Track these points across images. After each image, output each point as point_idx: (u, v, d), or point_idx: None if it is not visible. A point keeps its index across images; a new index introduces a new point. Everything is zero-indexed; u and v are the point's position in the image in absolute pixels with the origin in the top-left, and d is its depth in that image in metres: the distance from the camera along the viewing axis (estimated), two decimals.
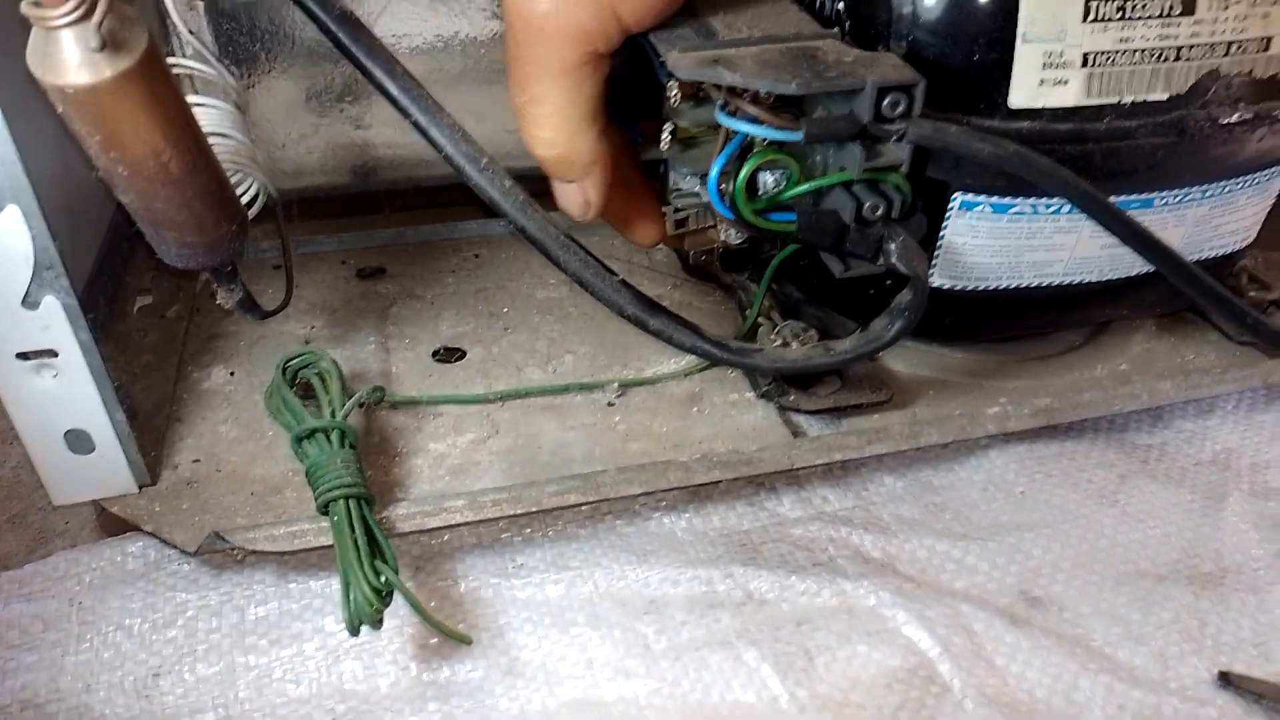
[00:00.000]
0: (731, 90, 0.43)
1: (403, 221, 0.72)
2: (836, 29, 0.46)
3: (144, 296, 0.62)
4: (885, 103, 0.41)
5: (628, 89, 0.55)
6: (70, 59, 0.34)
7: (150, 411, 0.53)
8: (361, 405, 0.50)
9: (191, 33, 0.48)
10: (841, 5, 0.48)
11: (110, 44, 0.34)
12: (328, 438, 0.46)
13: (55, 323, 0.42)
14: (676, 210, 0.55)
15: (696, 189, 0.52)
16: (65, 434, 0.45)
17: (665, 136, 0.51)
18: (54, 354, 0.43)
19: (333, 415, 0.47)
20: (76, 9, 0.33)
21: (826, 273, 0.49)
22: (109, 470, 0.47)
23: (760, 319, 0.57)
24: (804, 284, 0.59)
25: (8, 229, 0.40)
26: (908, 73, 0.42)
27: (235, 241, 0.43)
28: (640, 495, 0.51)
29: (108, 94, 0.35)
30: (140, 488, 0.48)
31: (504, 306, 0.63)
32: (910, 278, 0.45)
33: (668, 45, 0.45)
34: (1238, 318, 0.53)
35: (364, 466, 0.46)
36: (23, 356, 0.43)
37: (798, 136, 0.43)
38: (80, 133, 0.36)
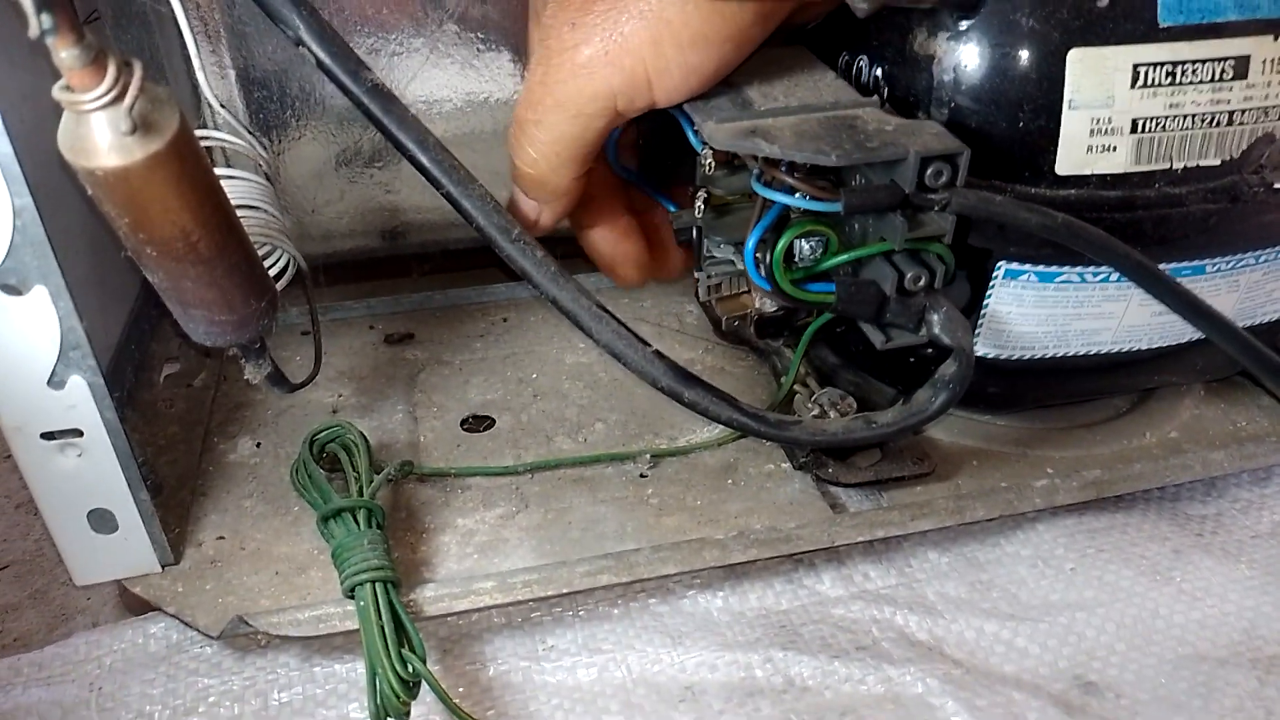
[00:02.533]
0: (768, 160, 0.42)
1: (431, 285, 0.71)
2: (875, 97, 0.45)
3: (171, 364, 0.62)
4: (928, 173, 0.40)
5: (659, 155, 0.55)
6: (101, 142, 0.33)
7: (175, 486, 0.52)
8: (390, 481, 0.49)
9: (223, 105, 0.47)
10: (880, 72, 0.47)
11: (141, 126, 0.33)
12: (354, 517, 0.44)
13: (81, 402, 0.41)
14: (710, 277, 0.54)
15: (730, 256, 0.51)
16: (88, 514, 0.44)
17: (699, 204, 0.50)
18: (79, 433, 0.42)
19: (360, 492, 0.46)
20: (108, 93, 0.32)
21: (864, 338, 0.48)
22: (132, 550, 0.45)
23: (796, 386, 0.56)
24: (840, 349, 0.57)
25: (35, 310, 0.39)
26: (951, 142, 0.40)
27: (265, 318, 0.43)
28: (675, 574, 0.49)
29: (138, 176, 0.34)
30: (163, 567, 0.47)
31: (533, 372, 0.62)
32: (954, 349, 0.44)
33: (703, 115, 0.44)
34: None
35: (391, 545, 0.45)
36: (48, 436, 0.42)
37: (837, 208, 0.42)
38: (109, 213, 0.36)
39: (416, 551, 0.48)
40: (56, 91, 0.33)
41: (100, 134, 0.33)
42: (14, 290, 0.39)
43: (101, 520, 0.44)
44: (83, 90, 0.32)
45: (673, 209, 0.55)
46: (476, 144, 0.68)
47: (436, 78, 0.65)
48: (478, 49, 0.66)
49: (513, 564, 0.47)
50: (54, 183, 0.38)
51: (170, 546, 0.47)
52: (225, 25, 0.59)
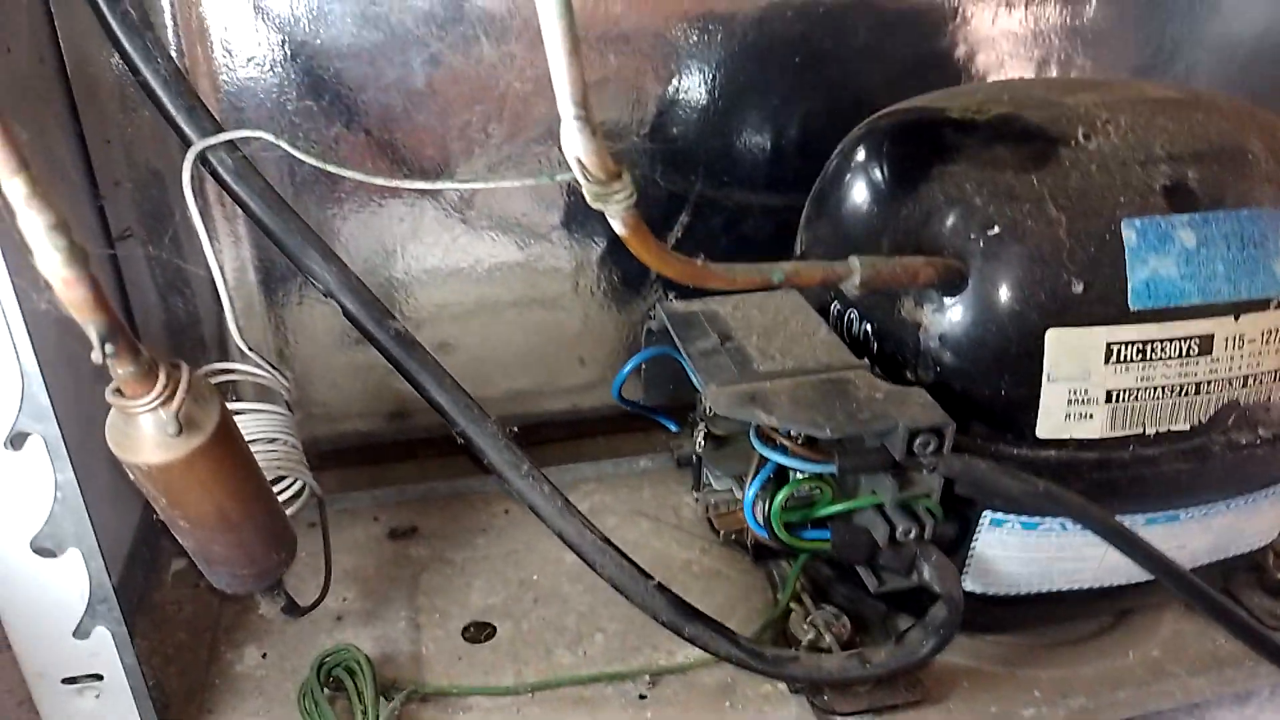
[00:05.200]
0: None
1: (435, 470, 0.73)
2: (866, 359, 0.48)
3: (179, 560, 0.63)
4: (917, 442, 0.43)
5: (659, 379, 0.58)
6: (147, 441, 0.35)
7: (182, 700, 0.53)
8: (395, 715, 0.50)
9: (250, 349, 0.50)
10: (869, 328, 0.50)
11: (185, 425, 0.36)
12: None
13: (104, 650, 0.43)
14: (711, 504, 0.56)
15: (729, 487, 0.54)
16: None
17: (699, 437, 0.52)
18: (99, 678, 0.44)
19: None
20: (158, 398, 0.35)
21: None
22: None
23: (791, 604, 0.58)
24: (835, 563, 0.59)
25: (67, 570, 0.41)
26: (937, 415, 0.43)
27: (284, 566, 0.44)
28: None
29: (179, 469, 0.36)
30: None
31: (533, 573, 0.64)
32: (944, 597, 0.46)
33: (706, 375, 0.47)
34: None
35: None
36: (69, 681, 0.43)
37: (831, 469, 0.44)
38: (148, 492, 0.38)
39: None
40: (109, 395, 0.35)
41: (147, 434, 0.35)
42: (49, 553, 0.40)
43: None
44: (134, 397, 0.35)
45: (674, 428, 0.58)
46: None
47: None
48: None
49: None
50: (93, 452, 0.40)
51: None
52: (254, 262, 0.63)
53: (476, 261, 0.69)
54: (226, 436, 0.37)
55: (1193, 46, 0.77)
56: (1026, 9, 0.72)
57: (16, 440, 0.38)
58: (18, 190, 0.27)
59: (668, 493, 0.71)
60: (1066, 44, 0.74)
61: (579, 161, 0.36)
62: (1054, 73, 0.74)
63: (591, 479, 0.74)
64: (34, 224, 0.27)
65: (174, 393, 0.35)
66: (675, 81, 0.67)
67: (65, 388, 0.39)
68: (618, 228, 0.38)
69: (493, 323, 0.72)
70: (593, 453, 0.77)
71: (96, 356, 0.32)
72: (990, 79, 0.73)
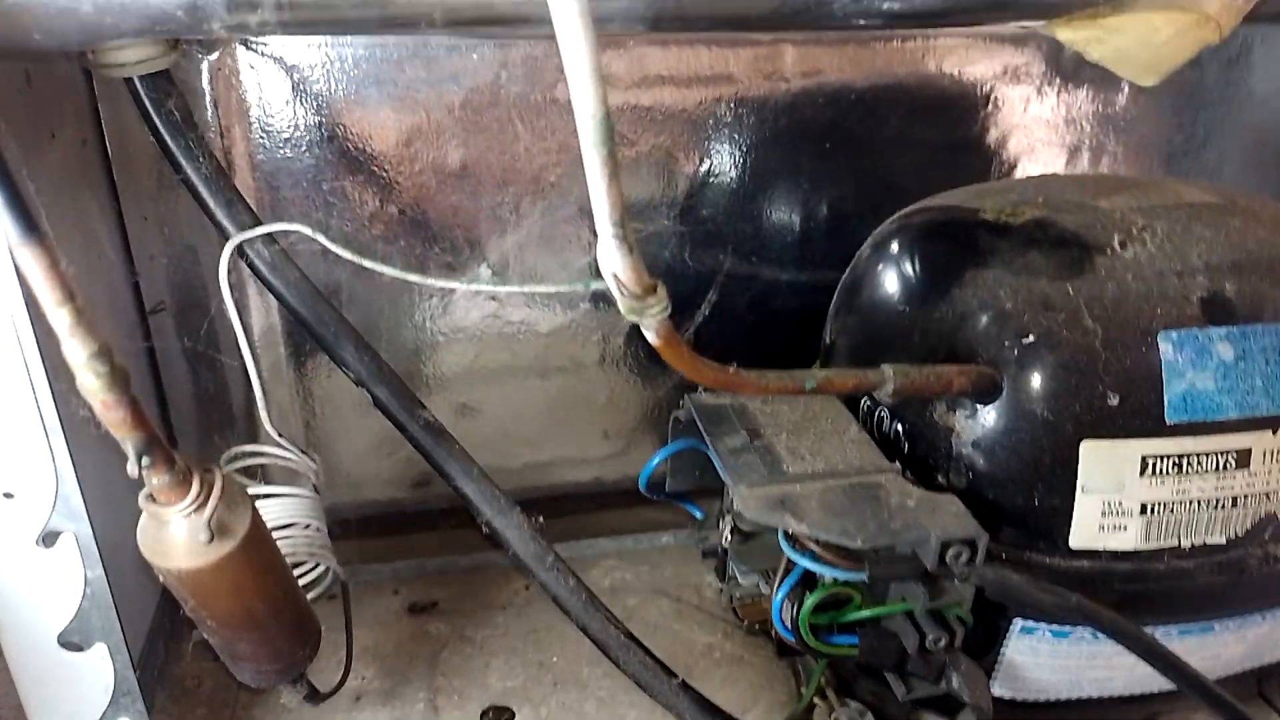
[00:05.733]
0: None
1: (457, 541, 0.73)
2: (897, 462, 0.47)
3: (198, 631, 0.63)
4: (949, 553, 0.42)
5: (686, 466, 0.57)
6: (179, 546, 0.35)
7: None
8: None
9: (280, 434, 0.50)
10: (900, 428, 0.49)
11: (217, 531, 0.36)
12: None
13: None
14: (735, 596, 0.55)
15: (755, 582, 0.53)
16: None
17: (725, 532, 0.52)
18: None
19: None
20: (191, 505, 0.35)
21: None
22: None
23: (815, 699, 0.57)
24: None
25: (94, 663, 0.41)
26: (970, 526, 0.43)
27: (308, 660, 0.44)
28: None
29: (209, 574, 0.36)
30: None
31: (553, 654, 0.63)
32: (972, 707, 0.45)
33: (736, 475, 0.46)
34: None
35: None
36: None
37: (861, 577, 0.44)
38: (177, 594, 0.38)
39: None
40: (142, 500, 0.35)
41: (179, 539, 0.35)
42: (76, 647, 0.40)
43: None
44: (167, 504, 0.35)
45: (699, 515, 0.57)
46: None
47: None
48: None
49: None
50: (123, 548, 0.41)
51: None
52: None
53: (504, 326, 0.69)
54: (257, 540, 0.37)
55: (1225, 134, 0.77)
56: (1058, 96, 0.72)
57: (49, 538, 0.38)
58: (63, 320, 0.27)
59: (689, 571, 0.71)
60: (1098, 131, 0.74)
61: (615, 277, 0.36)
62: (1085, 159, 0.75)
63: (612, 554, 0.73)
64: (76, 352, 0.28)
65: (206, 499, 0.35)
66: (706, 163, 0.67)
67: (99, 487, 0.39)
68: (652, 339, 0.38)
69: (517, 389, 0.72)
70: (614, 525, 0.76)
71: (132, 470, 0.32)
72: (1021, 165, 0.73)
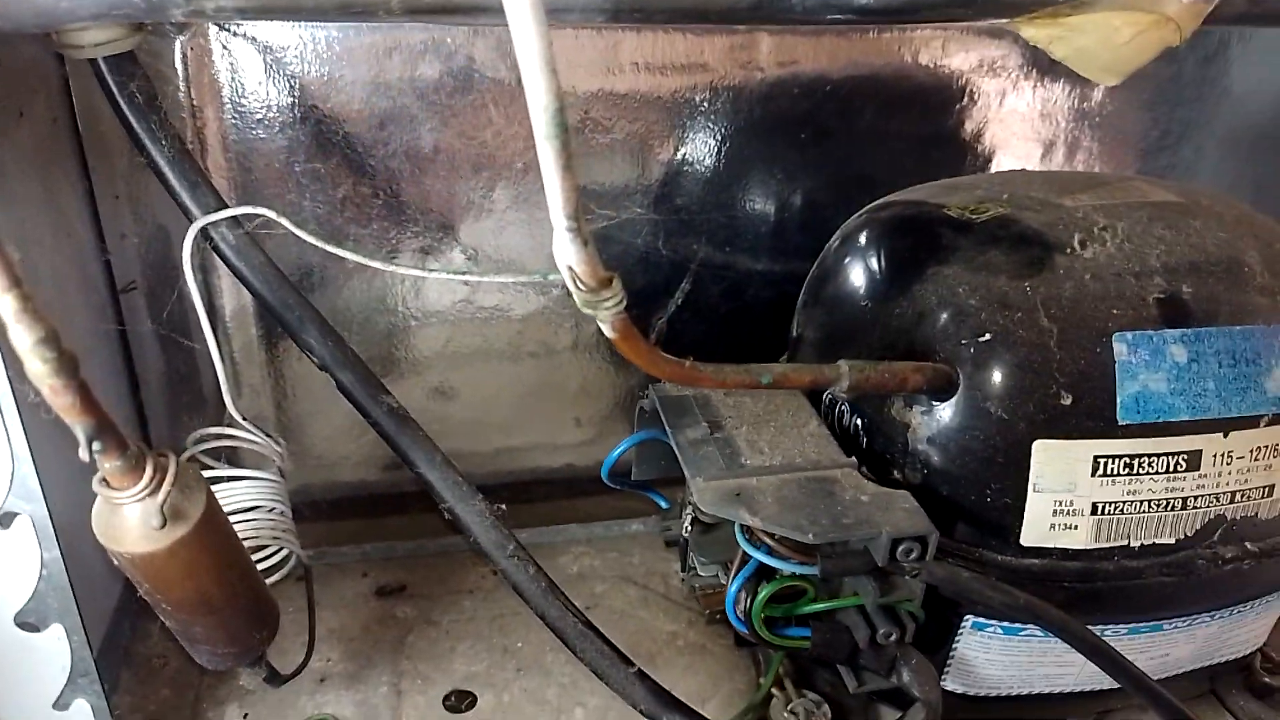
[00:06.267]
0: None
1: (427, 524, 0.73)
2: (854, 457, 0.48)
3: None
4: (900, 549, 0.43)
5: (651, 456, 0.58)
6: (132, 531, 0.36)
7: None
8: None
9: (245, 418, 0.50)
10: (859, 423, 0.50)
11: (170, 516, 0.36)
12: None
13: None
14: (696, 587, 0.56)
15: (715, 573, 0.54)
16: None
17: (686, 523, 0.52)
18: None
19: None
20: (143, 490, 0.35)
21: None
22: None
23: (773, 690, 0.57)
24: None
25: (50, 644, 0.41)
26: (921, 522, 0.43)
27: (265, 644, 0.45)
28: None
29: (161, 559, 0.36)
30: None
31: (518, 640, 0.64)
32: (922, 701, 0.46)
33: (694, 467, 0.47)
34: None
35: None
36: None
37: (813, 571, 0.44)
38: (132, 578, 0.38)
39: None
40: (96, 485, 0.35)
41: (132, 524, 0.36)
42: (32, 628, 0.41)
43: None
44: (120, 488, 0.35)
45: (664, 505, 0.58)
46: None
47: None
48: None
49: None
50: (81, 531, 0.41)
51: None
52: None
53: (477, 311, 0.69)
54: (211, 525, 0.38)
55: (1200, 130, 0.77)
56: (1034, 91, 0.72)
57: (5, 519, 0.38)
58: (9, 306, 0.27)
59: (656, 559, 0.71)
60: (1074, 126, 0.74)
61: (570, 270, 0.36)
62: (1060, 154, 0.75)
63: (582, 541, 0.74)
64: (22, 338, 0.28)
65: (160, 485, 0.35)
66: (681, 152, 0.67)
67: (56, 470, 0.39)
68: (608, 331, 0.38)
69: (490, 374, 0.72)
70: (585, 511, 0.77)
71: (83, 455, 0.33)
72: (996, 159, 0.73)
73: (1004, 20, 0.44)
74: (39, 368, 0.29)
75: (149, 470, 0.35)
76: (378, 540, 0.72)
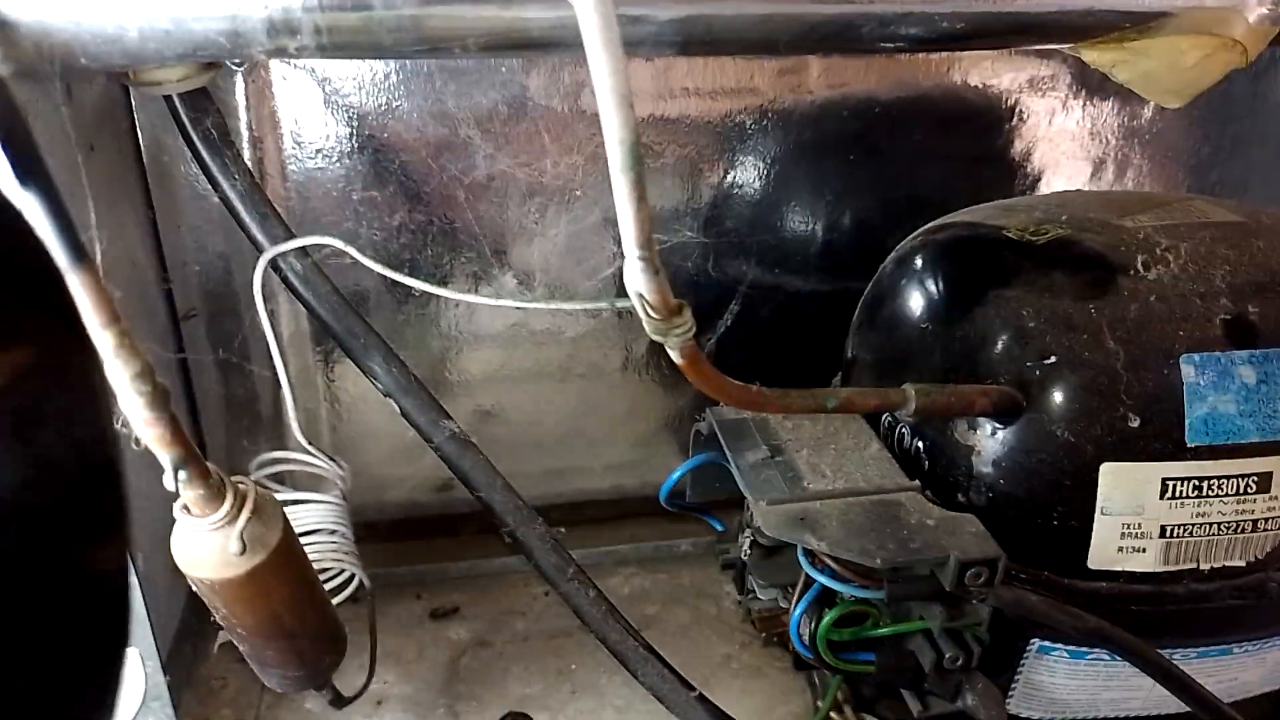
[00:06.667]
0: None
1: (478, 547, 0.73)
2: (917, 480, 0.48)
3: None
4: (968, 574, 0.43)
5: (706, 478, 0.58)
6: (211, 558, 0.36)
7: None
8: None
9: (310, 441, 0.51)
10: (921, 445, 0.50)
11: (249, 544, 0.36)
12: None
13: None
14: (753, 610, 0.56)
15: (774, 596, 0.54)
16: None
17: (745, 545, 0.52)
18: None
19: None
20: (224, 518, 0.36)
21: None
22: None
23: (831, 714, 0.57)
24: None
25: (126, 668, 0.42)
26: (990, 547, 0.43)
27: (334, 667, 0.45)
28: None
29: (239, 585, 0.37)
30: None
31: (571, 662, 0.64)
32: None
33: (756, 491, 0.47)
34: None
35: None
36: None
37: (879, 595, 0.44)
38: (208, 602, 0.39)
39: None
40: (177, 511, 0.36)
41: (211, 551, 0.36)
42: None
43: None
44: (201, 516, 0.36)
45: (719, 527, 0.58)
46: None
47: None
48: None
49: None
50: (157, 553, 0.41)
51: None
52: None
53: (529, 334, 0.70)
54: (288, 552, 0.38)
55: (1251, 146, 0.77)
56: (1084, 110, 0.72)
57: None
58: (108, 341, 0.28)
59: (708, 580, 0.71)
60: (1123, 144, 0.74)
61: (641, 297, 0.36)
62: (1110, 172, 0.74)
63: (632, 561, 0.74)
64: (120, 372, 0.29)
65: (239, 512, 0.36)
66: (731, 175, 0.68)
67: (133, 496, 0.40)
68: (676, 358, 0.39)
69: (539, 395, 0.73)
70: (634, 532, 0.77)
71: (169, 483, 0.33)
72: (1046, 178, 0.73)
73: (1067, 46, 0.44)
74: (135, 401, 0.29)
75: (229, 498, 0.36)
76: (431, 562, 0.72)
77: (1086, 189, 0.73)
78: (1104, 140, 0.73)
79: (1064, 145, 0.73)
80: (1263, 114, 0.75)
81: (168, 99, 0.43)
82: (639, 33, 0.38)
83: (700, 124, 0.66)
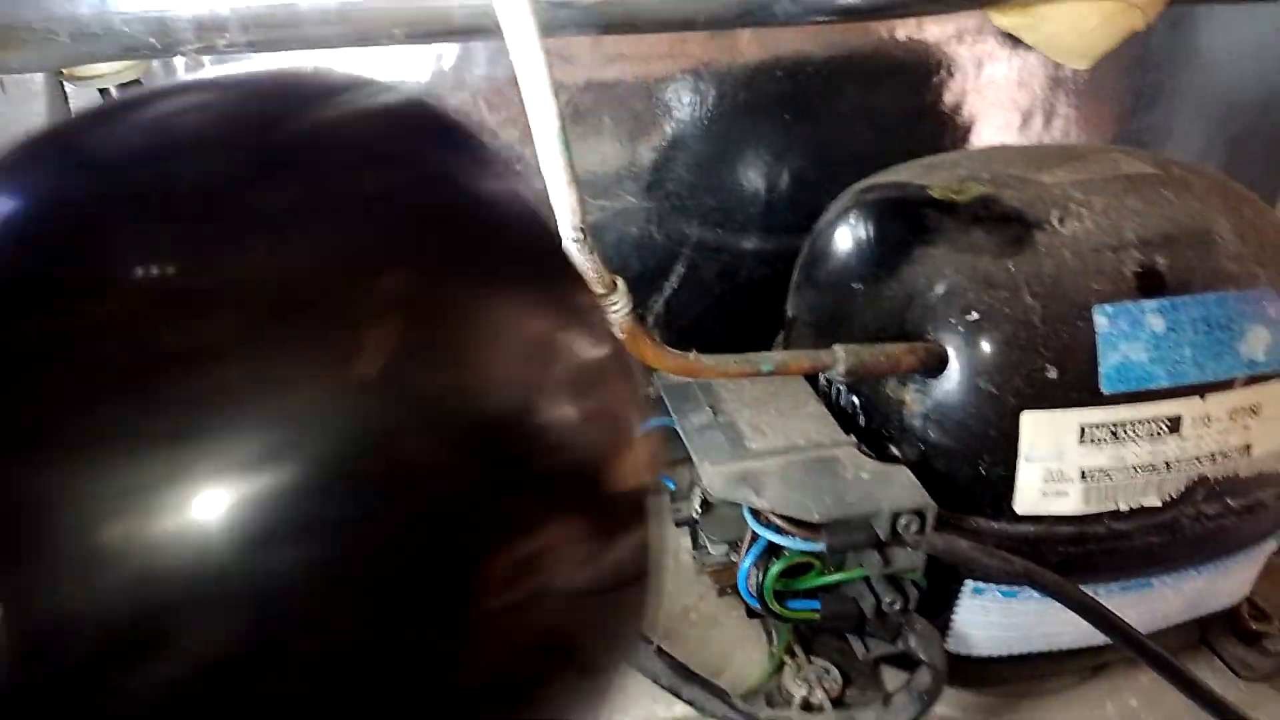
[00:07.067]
0: None
1: None
2: (852, 435, 0.50)
3: None
4: (900, 522, 0.45)
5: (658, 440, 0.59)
6: None
7: None
8: None
9: None
10: (856, 400, 0.52)
11: None
12: None
13: None
14: (705, 564, 0.58)
15: (724, 550, 0.56)
16: None
17: (695, 503, 0.54)
18: None
19: None
20: None
21: None
22: None
23: (784, 657, 0.60)
24: None
25: None
26: (920, 497, 0.46)
27: None
28: None
29: None
30: None
31: None
32: (928, 664, 0.48)
33: (700, 452, 0.49)
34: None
35: None
36: None
37: (820, 548, 0.46)
38: None
39: None
40: None
41: None
42: None
43: None
44: None
45: (671, 486, 0.60)
46: None
47: None
48: None
49: None
50: None
51: None
52: None
53: None
54: None
55: (1172, 94, 0.79)
56: (1009, 61, 0.74)
57: None
58: None
59: (668, 536, 0.73)
60: (1050, 94, 0.76)
61: None
62: (1039, 121, 0.76)
63: None
64: None
65: None
66: (669, 137, 0.69)
67: None
68: (615, 333, 0.40)
69: None
70: None
71: None
72: (976, 129, 0.75)
73: (976, 9, 0.45)
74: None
75: None
76: None
77: (1013, 143, 0.75)
78: (1031, 90, 0.75)
79: (992, 96, 0.74)
80: (1181, 62, 0.77)
81: (103, 91, 0.43)
82: (561, 17, 0.38)
83: (637, 87, 0.67)
